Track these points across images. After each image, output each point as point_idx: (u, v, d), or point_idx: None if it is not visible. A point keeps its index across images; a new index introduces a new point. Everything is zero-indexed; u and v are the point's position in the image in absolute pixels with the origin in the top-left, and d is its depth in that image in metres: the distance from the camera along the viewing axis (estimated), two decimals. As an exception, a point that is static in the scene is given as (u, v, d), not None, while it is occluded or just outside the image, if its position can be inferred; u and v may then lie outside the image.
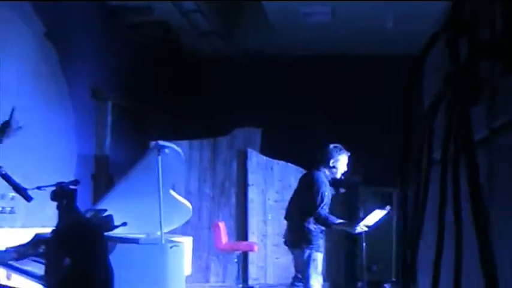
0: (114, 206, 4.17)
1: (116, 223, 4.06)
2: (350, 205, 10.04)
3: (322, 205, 5.70)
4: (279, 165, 9.73)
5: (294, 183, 9.68)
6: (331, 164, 5.86)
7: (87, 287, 3.52)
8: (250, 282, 9.02)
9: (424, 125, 1.66)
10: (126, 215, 4.17)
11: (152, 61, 10.17)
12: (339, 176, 5.96)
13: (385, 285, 9.91)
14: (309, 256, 5.74)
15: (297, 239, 5.88)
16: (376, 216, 6.22)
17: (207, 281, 9.05)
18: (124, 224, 4.16)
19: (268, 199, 9.57)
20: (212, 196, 9.28)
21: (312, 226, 5.76)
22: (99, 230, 3.64)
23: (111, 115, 8.75)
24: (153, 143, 4.41)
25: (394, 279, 9.90)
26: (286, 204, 9.56)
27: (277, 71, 10.62)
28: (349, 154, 5.99)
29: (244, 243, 8.25)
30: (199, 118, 10.37)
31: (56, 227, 3.61)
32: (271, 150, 9.73)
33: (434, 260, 1.52)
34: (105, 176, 8.44)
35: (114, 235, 3.95)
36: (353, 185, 10.25)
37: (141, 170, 4.43)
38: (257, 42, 10.24)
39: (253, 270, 9.29)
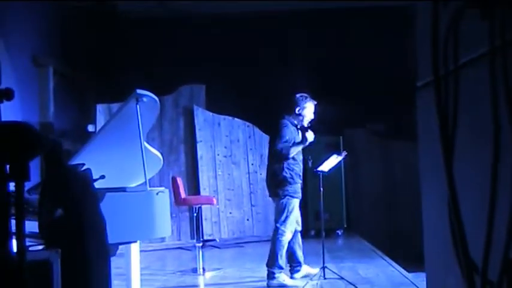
0: (91, 159, 4.31)
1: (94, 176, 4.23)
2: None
3: (284, 141, 5.99)
4: (225, 120, 9.99)
5: (242, 138, 10.09)
6: (297, 112, 6.21)
7: (81, 236, 3.70)
8: (205, 238, 9.30)
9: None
10: (104, 167, 4.32)
11: (89, 25, 10.11)
12: (305, 123, 6.27)
13: (338, 231, 10.51)
14: (285, 202, 6.09)
15: (272, 186, 6.21)
16: (333, 161, 6.63)
17: (162, 240, 9.25)
18: (102, 177, 4.33)
19: (218, 154, 9.83)
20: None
21: (285, 172, 6.08)
22: (88, 179, 3.80)
23: (52, 81, 8.69)
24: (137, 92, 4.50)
25: (345, 226, 10.51)
26: (235, 158, 9.97)
27: (215, 26, 10.75)
28: (315, 103, 6.32)
29: (204, 196, 8.50)
30: (141, 78, 10.40)
31: (45, 179, 3.74)
32: (216, 105, 9.95)
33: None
34: (51, 142, 8.42)
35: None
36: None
37: (119, 120, 4.56)
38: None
39: (207, 226, 9.60)
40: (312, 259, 7.71)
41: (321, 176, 6.57)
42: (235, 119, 10.06)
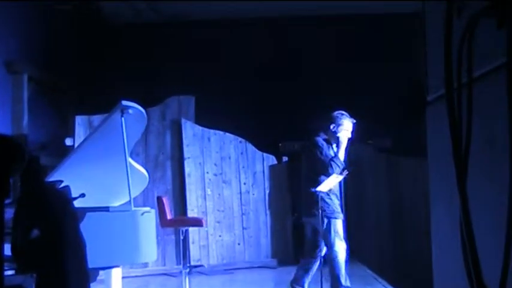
0: (70, 176, 4.31)
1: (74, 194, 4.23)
2: (294, 172, 10.48)
3: (325, 154, 6.34)
4: (216, 135, 10.00)
5: (234, 154, 10.11)
6: (332, 129, 6.44)
7: (58, 259, 3.70)
8: (192, 263, 9.27)
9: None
10: (84, 184, 4.33)
11: (70, 30, 10.14)
12: (343, 142, 6.45)
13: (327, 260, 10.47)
14: (328, 224, 6.34)
15: (309, 208, 6.46)
16: (332, 181, 6.67)
17: (145, 266, 9.23)
18: (82, 195, 4.34)
19: (207, 172, 9.84)
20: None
21: (322, 193, 6.35)
22: (67, 197, 3.80)
23: (27, 90, 8.69)
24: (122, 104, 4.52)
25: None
26: (225, 177, 9.98)
27: (208, 34, 10.82)
28: (354, 121, 6.51)
29: (192, 218, 8.50)
30: (125, 88, 10.44)
31: (20, 196, 3.74)
32: (206, 119, 9.97)
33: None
34: (24, 157, 8.41)
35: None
36: (295, 153, 10.70)
37: (101, 133, 4.57)
38: (184, 5, 10.38)
39: (195, 251, 9.58)
40: (309, 287, 7.71)
41: (319, 197, 6.59)
42: (227, 133, 10.08)
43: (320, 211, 6.32)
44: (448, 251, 2.52)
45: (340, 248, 6.35)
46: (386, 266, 10.11)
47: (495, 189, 1.90)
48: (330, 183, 6.67)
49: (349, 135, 6.50)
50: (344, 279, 6.35)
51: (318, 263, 6.57)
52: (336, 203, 6.43)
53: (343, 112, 6.55)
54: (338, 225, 6.40)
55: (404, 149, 11.23)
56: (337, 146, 6.50)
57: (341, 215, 6.46)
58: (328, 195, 6.36)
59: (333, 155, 6.44)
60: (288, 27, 10.95)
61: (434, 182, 2.80)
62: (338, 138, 6.45)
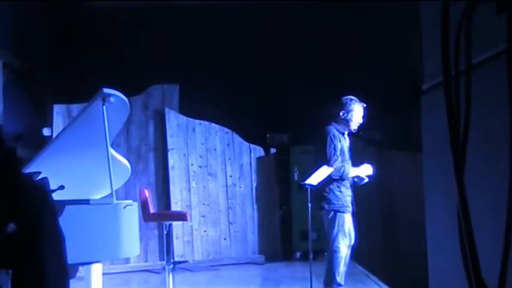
0: (48, 167, 4.28)
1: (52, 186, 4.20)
2: (282, 165, 10.51)
3: (334, 157, 6.27)
4: (201, 125, 9.99)
5: (220, 146, 10.10)
6: (342, 117, 6.44)
7: (36, 255, 3.66)
8: (176, 259, 9.25)
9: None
10: (63, 176, 4.30)
11: (48, 15, 10.05)
12: (353, 128, 6.49)
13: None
14: (333, 217, 6.31)
15: (318, 200, 6.43)
16: (323, 173, 6.66)
17: (127, 262, 9.22)
18: (61, 187, 4.30)
19: (192, 164, 9.82)
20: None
21: (332, 185, 6.33)
22: (45, 190, 3.77)
23: (2, 77, 8.61)
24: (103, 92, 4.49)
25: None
26: (211, 169, 9.97)
27: (192, 20, 10.76)
28: (364, 106, 6.52)
29: (176, 212, 8.48)
30: (106, 76, 10.36)
31: (-4, 189, 3.70)
32: (191, 109, 9.94)
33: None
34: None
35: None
36: (283, 145, 10.72)
37: (82, 123, 4.54)
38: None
39: (178, 246, 9.57)
40: (298, 284, 7.74)
41: (309, 190, 6.59)
42: (213, 124, 10.07)
43: (328, 204, 6.32)
44: (444, 245, 2.53)
45: (342, 244, 6.30)
46: (378, 262, 10.16)
47: (494, 181, 1.90)
48: (320, 176, 6.67)
49: (360, 121, 6.52)
50: (340, 277, 6.32)
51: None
52: (345, 196, 6.38)
53: (352, 97, 6.54)
54: (344, 219, 6.33)
55: (394, 142, 11.27)
56: (349, 134, 6.53)
57: (349, 209, 6.40)
58: (338, 187, 6.34)
59: (344, 144, 6.44)
60: (276, 14, 10.91)
61: (428, 174, 2.80)
62: (349, 125, 6.46)
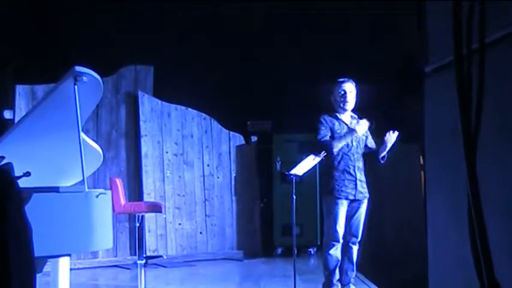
0: (12, 152, 4.22)
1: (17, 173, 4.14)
2: (264, 154, 10.49)
3: (319, 136, 6.41)
4: (177, 110, 9.94)
5: (197, 132, 10.06)
6: (333, 100, 6.60)
7: (0, 246, 3.61)
8: (148, 254, 9.22)
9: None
10: (29, 162, 4.25)
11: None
12: (349, 108, 6.60)
13: (310, 249, 10.55)
14: (324, 203, 6.52)
15: (322, 187, 6.65)
16: (309, 163, 6.67)
17: (95, 256, 9.17)
18: (27, 174, 4.24)
19: (166, 152, 9.78)
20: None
21: (325, 167, 6.46)
22: (9, 176, 3.71)
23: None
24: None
25: (319, 244, 10.53)
26: (187, 158, 9.93)
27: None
28: (354, 83, 6.65)
29: (149, 203, 8.43)
30: (73, 55, 10.24)
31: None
32: (167, 92, 9.88)
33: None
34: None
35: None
36: (264, 132, 10.70)
37: (51, 104, 4.46)
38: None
39: (151, 240, 9.53)
40: (279, 282, 7.74)
41: (294, 181, 6.59)
42: (189, 109, 10.02)
43: (321, 188, 6.52)
44: (446, 243, 2.52)
45: (331, 236, 6.33)
46: (365, 258, 10.18)
47: (507, 169, 1.88)
48: (306, 166, 6.68)
49: (349, 99, 6.57)
50: (331, 275, 6.40)
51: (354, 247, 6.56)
52: (340, 180, 6.38)
53: (340, 79, 6.65)
54: (335, 206, 6.32)
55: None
56: (341, 114, 6.60)
57: (344, 195, 6.37)
58: (332, 170, 6.40)
59: (340, 129, 6.49)
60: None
61: (431, 166, 2.78)
62: (338, 106, 6.57)
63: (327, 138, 6.39)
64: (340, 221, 6.31)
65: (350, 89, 6.58)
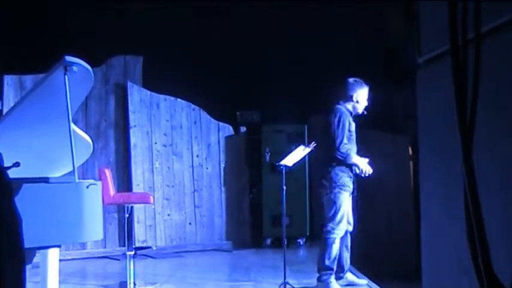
0: (1, 143, 4.18)
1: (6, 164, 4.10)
2: (253, 144, 10.47)
3: (342, 139, 6.41)
4: (166, 101, 9.91)
5: (186, 123, 10.03)
6: (354, 99, 6.61)
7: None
8: (137, 245, 9.20)
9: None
10: (19, 152, 4.22)
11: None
12: (360, 110, 6.66)
13: (299, 240, 10.55)
14: (332, 196, 6.45)
15: (322, 179, 6.57)
16: (299, 154, 6.70)
17: (83, 247, 9.15)
18: (16, 164, 4.21)
19: (155, 143, 9.76)
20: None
21: (335, 162, 6.45)
22: (-1, 167, 3.67)
23: None
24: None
25: (308, 234, 10.55)
26: (176, 148, 9.91)
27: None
28: (368, 87, 6.69)
29: (139, 194, 8.40)
30: (61, 45, 10.15)
31: None
32: (156, 82, 9.84)
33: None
34: None
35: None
36: (253, 123, 10.67)
37: (40, 94, 4.43)
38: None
39: (140, 231, 9.52)
40: (269, 273, 7.74)
41: (284, 172, 6.61)
42: (178, 99, 10.00)
43: (328, 181, 6.45)
44: (441, 236, 2.51)
45: (337, 225, 6.43)
46: (353, 249, 10.20)
47: (504, 160, 1.87)
48: (296, 157, 6.71)
49: (366, 103, 6.66)
50: (331, 261, 6.42)
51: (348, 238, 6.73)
52: (347, 177, 6.50)
53: (357, 79, 6.70)
54: (343, 200, 6.46)
55: (374, 121, 11.28)
56: (354, 117, 6.65)
57: (349, 189, 6.52)
58: (340, 166, 6.45)
59: (351, 126, 6.54)
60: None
61: (425, 158, 2.78)
62: (356, 107, 6.61)
63: (349, 149, 6.42)
64: (346, 213, 6.51)
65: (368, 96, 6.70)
